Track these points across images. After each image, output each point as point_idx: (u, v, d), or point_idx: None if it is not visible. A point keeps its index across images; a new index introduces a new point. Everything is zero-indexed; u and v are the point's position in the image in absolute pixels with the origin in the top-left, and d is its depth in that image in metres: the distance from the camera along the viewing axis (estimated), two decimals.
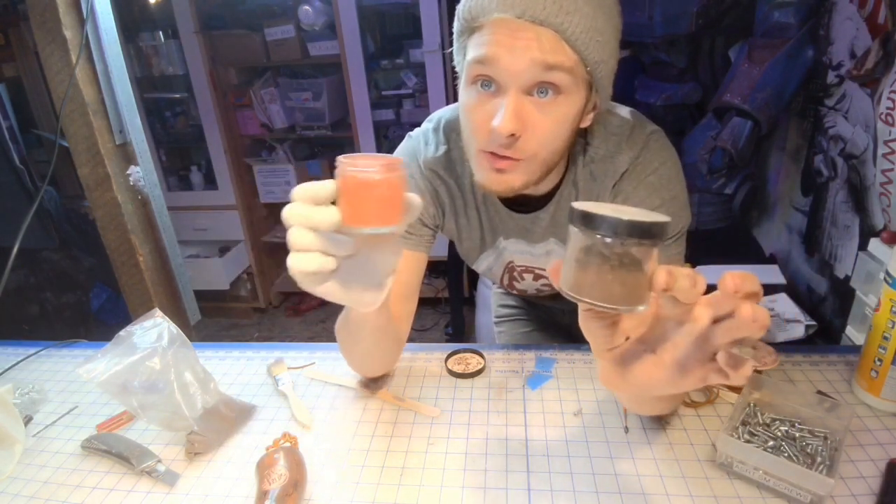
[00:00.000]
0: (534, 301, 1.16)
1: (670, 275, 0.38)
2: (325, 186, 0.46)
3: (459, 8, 0.63)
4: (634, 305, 0.40)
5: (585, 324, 0.46)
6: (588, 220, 0.40)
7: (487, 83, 0.61)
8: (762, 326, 0.37)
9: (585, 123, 0.68)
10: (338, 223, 0.46)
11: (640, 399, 0.63)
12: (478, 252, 0.86)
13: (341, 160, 0.46)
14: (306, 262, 0.47)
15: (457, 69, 0.68)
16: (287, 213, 0.47)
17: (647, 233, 0.38)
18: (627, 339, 0.46)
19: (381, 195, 0.46)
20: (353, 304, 0.56)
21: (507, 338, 1.18)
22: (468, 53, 0.62)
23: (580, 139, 0.73)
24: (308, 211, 0.46)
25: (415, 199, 0.50)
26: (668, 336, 0.44)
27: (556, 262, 0.43)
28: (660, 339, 0.44)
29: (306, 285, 0.50)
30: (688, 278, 0.39)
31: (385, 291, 0.57)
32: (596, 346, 0.47)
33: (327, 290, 0.51)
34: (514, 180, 0.65)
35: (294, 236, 0.47)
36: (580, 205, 0.41)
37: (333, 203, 0.47)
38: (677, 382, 0.44)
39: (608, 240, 0.39)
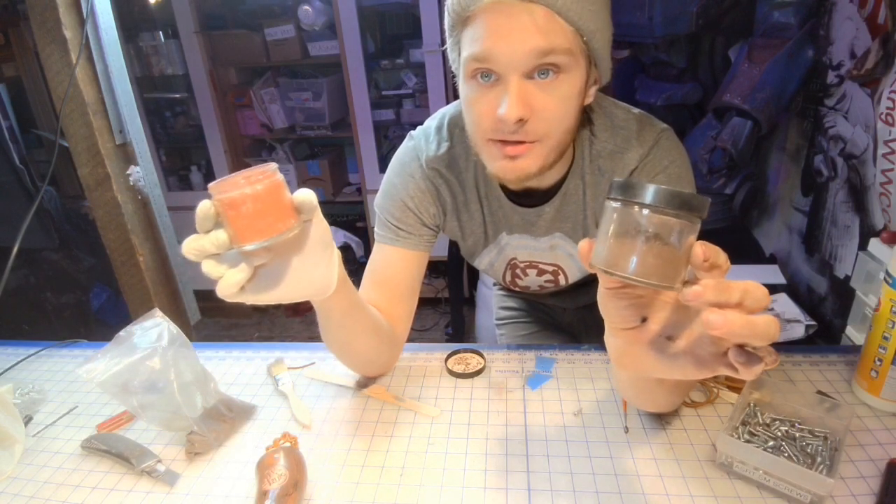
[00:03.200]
0: (535, 301, 1.16)
1: (709, 247, 0.38)
2: (204, 212, 0.47)
3: (448, 1, 0.63)
4: (669, 283, 0.39)
5: (605, 301, 0.46)
6: (629, 190, 0.39)
7: (487, 75, 0.61)
8: (765, 336, 0.37)
9: (589, 100, 0.68)
10: (226, 244, 0.47)
11: (644, 386, 0.62)
12: (480, 248, 0.86)
13: (210, 187, 0.47)
14: (225, 286, 0.49)
15: (452, 67, 0.68)
16: (183, 249, 0.48)
17: (687, 204, 0.37)
18: (644, 320, 0.46)
19: (254, 210, 0.46)
20: (306, 297, 0.58)
21: (509, 339, 1.17)
22: (463, 50, 0.63)
23: (585, 131, 0.73)
24: (198, 241, 0.47)
25: (305, 198, 0.50)
26: (686, 324, 0.44)
27: (588, 241, 0.42)
28: (678, 325, 0.44)
29: (245, 300, 0.52)
30: (722, 254, 0.39)
31: (332, 272, 0.58)
32: (612, 325, 0.48)
33: (271, 297, 0.53)
34: (528, 166, 0.65)
35: (203, 268, 0.49)
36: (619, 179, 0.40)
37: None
38: (689, 370, 0.44)
39: (646, 211, 0.38)
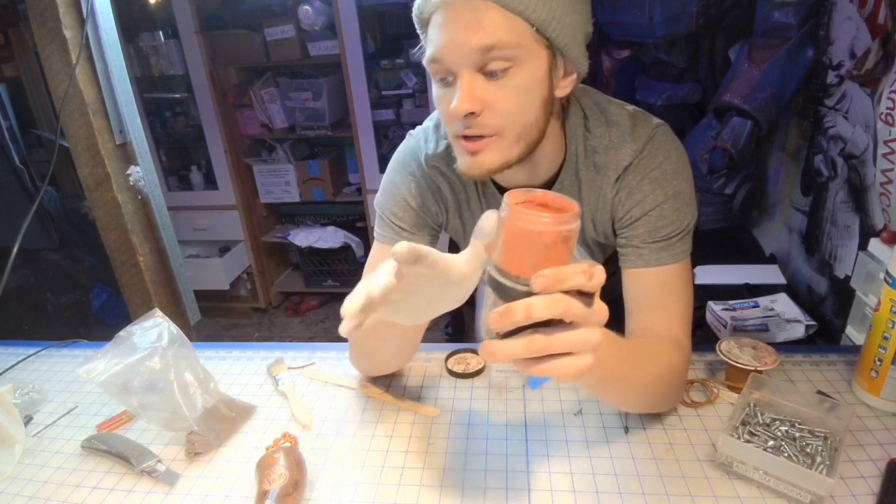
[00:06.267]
0: None
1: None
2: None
3: (413, 12, 0.66)
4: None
5: None
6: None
7: (445, 78, 0.63)
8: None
9: (563, 92, 0.67)
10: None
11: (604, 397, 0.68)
12: None
13: (513, 204, 0.43)
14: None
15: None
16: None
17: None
18: None
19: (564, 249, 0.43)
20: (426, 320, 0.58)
21: None
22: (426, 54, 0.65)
23: (580, 127, 0.73)
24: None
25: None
26: None
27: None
28: None
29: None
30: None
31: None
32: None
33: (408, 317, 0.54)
34: (490, 161, 0.64)
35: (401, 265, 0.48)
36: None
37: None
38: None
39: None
